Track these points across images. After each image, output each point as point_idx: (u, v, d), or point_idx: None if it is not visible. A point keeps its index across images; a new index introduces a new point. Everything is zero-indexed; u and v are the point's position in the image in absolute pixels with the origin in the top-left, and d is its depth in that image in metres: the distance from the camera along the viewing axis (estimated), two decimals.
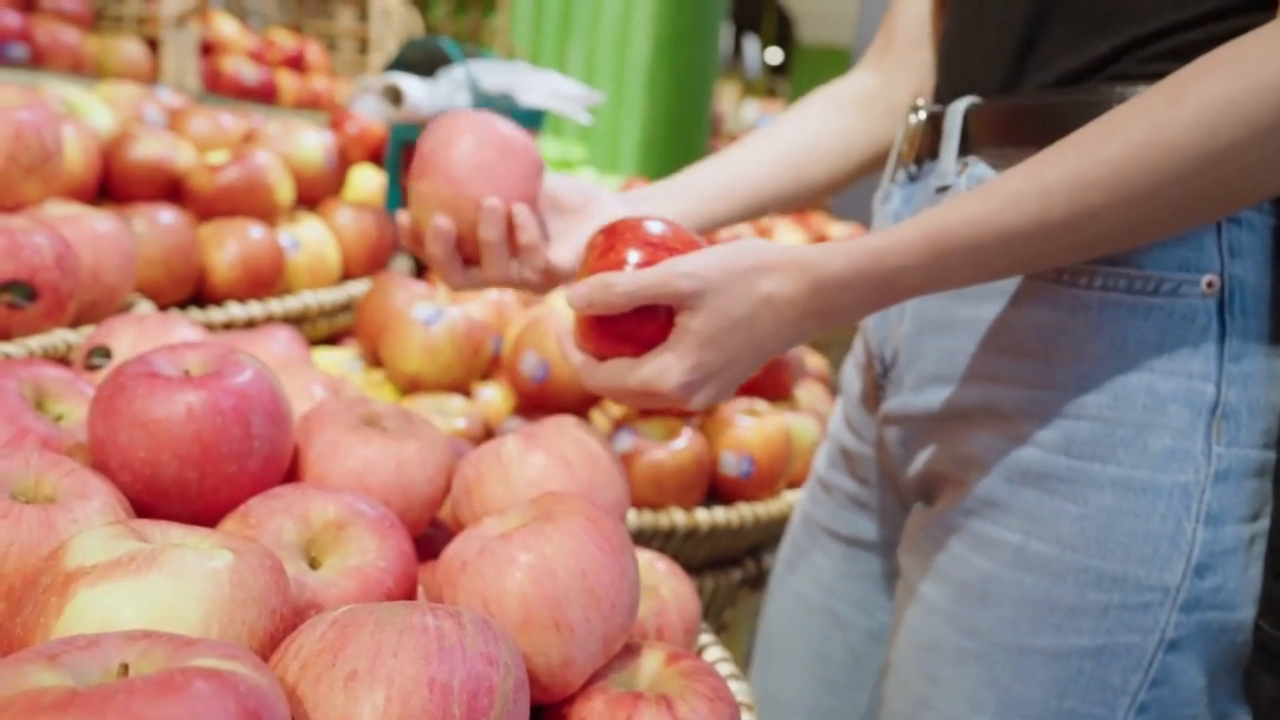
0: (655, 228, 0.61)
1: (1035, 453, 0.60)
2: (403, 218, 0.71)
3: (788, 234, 1.87)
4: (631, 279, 0.57)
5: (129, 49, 1.63)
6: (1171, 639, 0.58)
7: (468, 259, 0.70)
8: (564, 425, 0.63)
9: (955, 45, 0.70)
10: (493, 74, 1.38)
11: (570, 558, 0.49)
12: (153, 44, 1.70)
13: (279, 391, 0.56)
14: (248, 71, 1.89)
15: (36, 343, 0.67)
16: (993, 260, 0.55)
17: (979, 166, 0.64)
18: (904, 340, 0.69)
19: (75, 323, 0.77)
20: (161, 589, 0.38)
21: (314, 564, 0.51)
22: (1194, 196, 0.51)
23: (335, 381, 0.74)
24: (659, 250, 0.60)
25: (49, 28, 1.48)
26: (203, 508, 0.53)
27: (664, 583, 0.62)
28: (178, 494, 0.52)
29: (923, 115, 0.70)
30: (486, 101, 1.37)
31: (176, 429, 0.51)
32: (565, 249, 0.71)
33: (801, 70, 9.78)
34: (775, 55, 9.60)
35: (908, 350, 0.69)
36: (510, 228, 0.68)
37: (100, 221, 0.81)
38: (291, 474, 0.60)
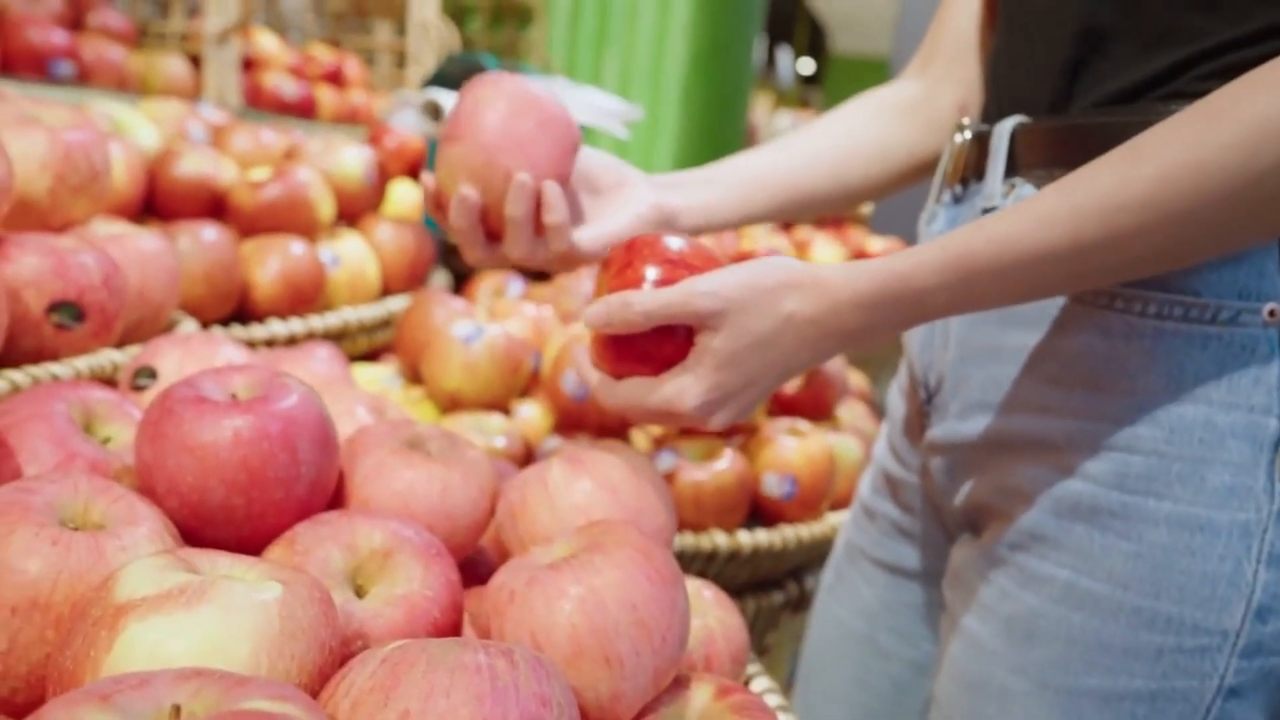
0: (675, 244, 0.60)
1: (1085, 486, 0.58)
2: (428, 180, 0.69)
3: (825, 248, 1.85)
4: (650, 298, 0.56)
5: (172, 66, 1.65)
6: (1231, 685, 0.56)
7: (490, 233, 0.69)
8: (609, 449, 0.62)
9: (1003, 63, 0.68)
10: None
11: (620, 590, 0.48)
12: (195, 60, 1.72)
13: (325, 415, 0.56)
14: (287, 87, 1.91)
15: (84, 363, 0.67)
16: (1021, 282, 0.53)
17: (1026, 188, 0.62)
18: (949, 367, 0.67)
19: (121, 342, 0.77)
20: (211, 622, 0.38)
21: (360, 592, 0.51)
22: (1233, 219, 0.49)
23: (378, 402, 0.74)
24: (678, 268, 0.59)
25: (95, 45, 1.50)
26: (249, 533, 0.52)
27: (711, 611, 0.60)
28: (224, 520, 0.51)
29: (968, 135, 0.68)
30: None
31: (224, 454, 0.50)
32: (591, 230, 0.69)
33: (834, 81, 9.74)
34: (808, 66, 9.57)
35: (953, 377, 0.67)
36: (538, 205, 0.66)
37: (146, 240, 0.81)
38: (336, 498, 0.59)
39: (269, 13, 2.38)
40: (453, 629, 0.51)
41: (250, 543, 0.53)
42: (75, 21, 1.56)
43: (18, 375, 0.62)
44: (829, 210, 0.79)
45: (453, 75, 1.42)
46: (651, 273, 0.58)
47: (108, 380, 0.71)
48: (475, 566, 0.67)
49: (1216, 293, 0.55)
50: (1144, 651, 0.56)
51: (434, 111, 1.29)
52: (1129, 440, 0.57)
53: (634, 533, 0.51)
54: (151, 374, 0.66)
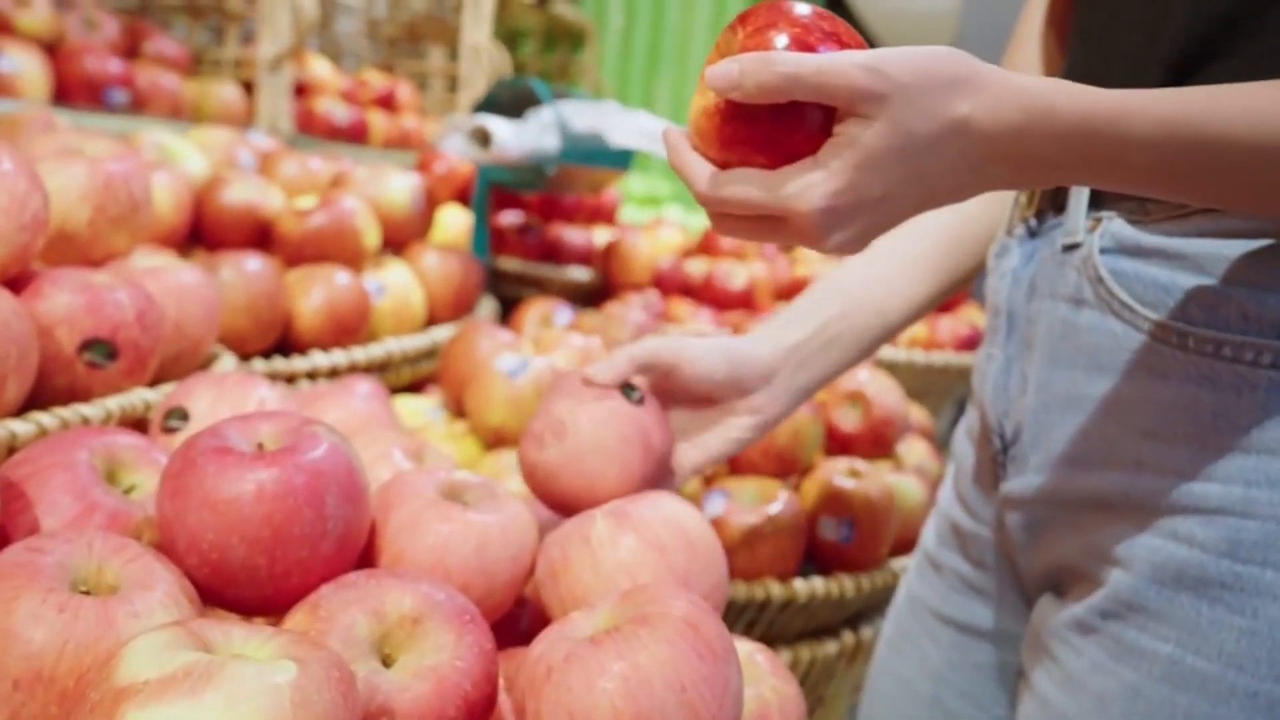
0: (822, 13, 0.48)
1: (1191, 553, 0.53)
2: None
3: None
4: (799, 59, 0.44)
5: (226, 92, 1.66)
6: None
7: None
8: (657, 502, 0.58)
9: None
10: (582, 114, 1.36)
11: (668, 668, 0.43)
12: (249, 87, 1.72)
13: (356, 466, 0.53)
14: (339, 112, 1.91)
15: (115, 403, 0.65)
16: (1250, 177, 0.45)
17: (1115, 222, 0.57)
18: (1028, 415, 0.62)
19: (158, 377, 0.75)
20: (216, 711, 0.34)
21: (388, 661, 0.47)
22: None
23: (417, 445, 0.71)
24: (828, 40, 0.47)
25: (150, 73, 1.51)
26: (273, 593, 0.49)
27: (765, 680, 0.56)
28: (246, 579, 0.48)
29: None
30: (575, 141, 1.34)
31: (246, 511, 0.47)
32: (692, 452, 0.66)
33: None
34: None
35: (1033, 427, 0.62)
36: None
37: (185, 274, 0.79)
38: (368, 551, 0.56)
39: (323, 39, 2.40)
40: (485, 702, 0.47)
41: (274, 602, 0.50)
42: (131, 49, 1.57)
43: (45, 418, 0.60)
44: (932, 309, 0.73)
45: (504, 101, 1.40)
46: (798, 34, 0.47)
47: (140, 420, 0.68)
48: (515, 623, 0.63)
49: None
50: None
51: (482, 138, 1.27)
52: (1243, 504, 0.51)
53: (682, 601, 0.47)
54: (183, 415, 0.64)
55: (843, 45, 0.47)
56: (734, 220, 0.49)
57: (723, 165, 0.49)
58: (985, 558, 0.71)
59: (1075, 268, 0.59)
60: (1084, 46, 0.62)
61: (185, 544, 0.48)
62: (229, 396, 0.65)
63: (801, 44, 0.46)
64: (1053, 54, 0.69)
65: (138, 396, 0.68)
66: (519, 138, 1.27)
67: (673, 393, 0.65)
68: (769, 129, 0.47)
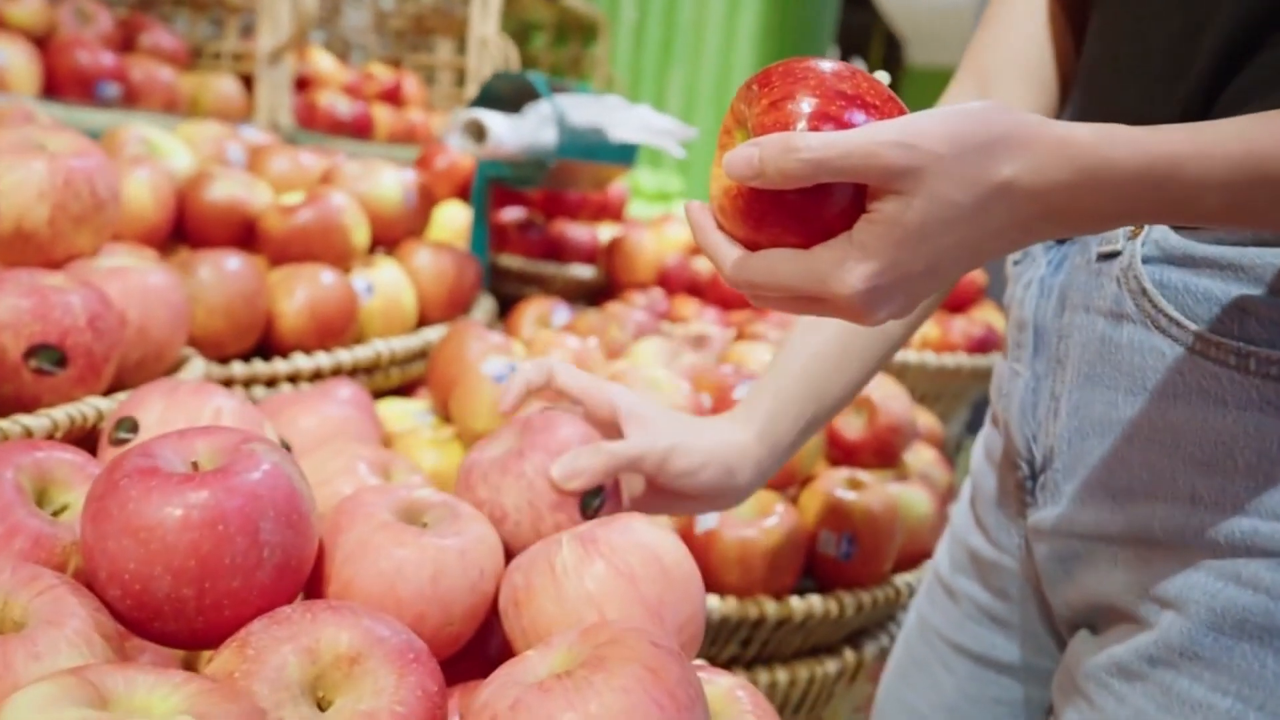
0: (845, 71, 0.45)
1: (1255, 599, 0.48)
2: None
3: None
4: (824, 142, 0.40)
5: (224, 86, 1.62)
6: None
7: None
8: (629, 526, 0.53)
9: (1103, 74, 0.58)
10: (581, 108, 1.31)
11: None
12: (249, 81, 1.69)
13: (298, 487, 0.49)
14: (342, 106, 1.87)
15: (62, 413, 0.61)
16: None
17: (1160, 229, 0.52)
18: (1062, 440, 0.57)
19: (119, 383, 0.72)
20: None
21: (323, 704, 0.43)
22: None
23: (385, 459, 0.67)
24: (854, 106, 0.43)
25: (144, 67, 1.48)
26: (203, 626, 0.45)
27: None
28: (173, 612, 0.45)
29: None
30: (575, 136, 1.30)
31: (170, 538, 0.44)
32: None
33: (911, 93, 9.51)
34: (884, 79, 9.37)
35: (1068, 454, 0.56)
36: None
37: (152, 275, 0.76)
38: (315, 580, 0.52)
39: (330, 33, 2.37)
40: None
41: (205, 636, 0.46)
42: (126, 43, 1.54)
43: None
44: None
45: (501, 93, 1.36)
46: (818, 106, 0.43)
47: (94, 431, 0.65)
48: (483, 649, 0.59)
49: None
50: None
51: (477, 131, 1.23)
52: None
53: (645, 643, 0.43)
54: (133, 427, 0.60)
55: (868, 108, 0.43)
56: (772, 298, 0.46)
57: (751, 245, 0.46)
58: (1008, 588, 0.65)
59: (1114, 278, 0.54)
60: (1111, 35, 0.57)
61: (107, 574, 0.45)
62: (183, 406, 0.61)
63: (824, 117, 0.43)
64: (1063, 38, 0.64)
65: (90, 406, 0.64)
66: (515, 132, 1.22)
67: (647, 482, 0.64)
68: (798, 206, 0.43)
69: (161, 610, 0.45)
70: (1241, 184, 0.41)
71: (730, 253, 0.46)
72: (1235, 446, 0.49)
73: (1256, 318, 0.48)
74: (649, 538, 0.53)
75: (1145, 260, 0.52)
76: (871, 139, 0.41)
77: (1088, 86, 0.60)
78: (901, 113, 0.44)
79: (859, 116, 0.43)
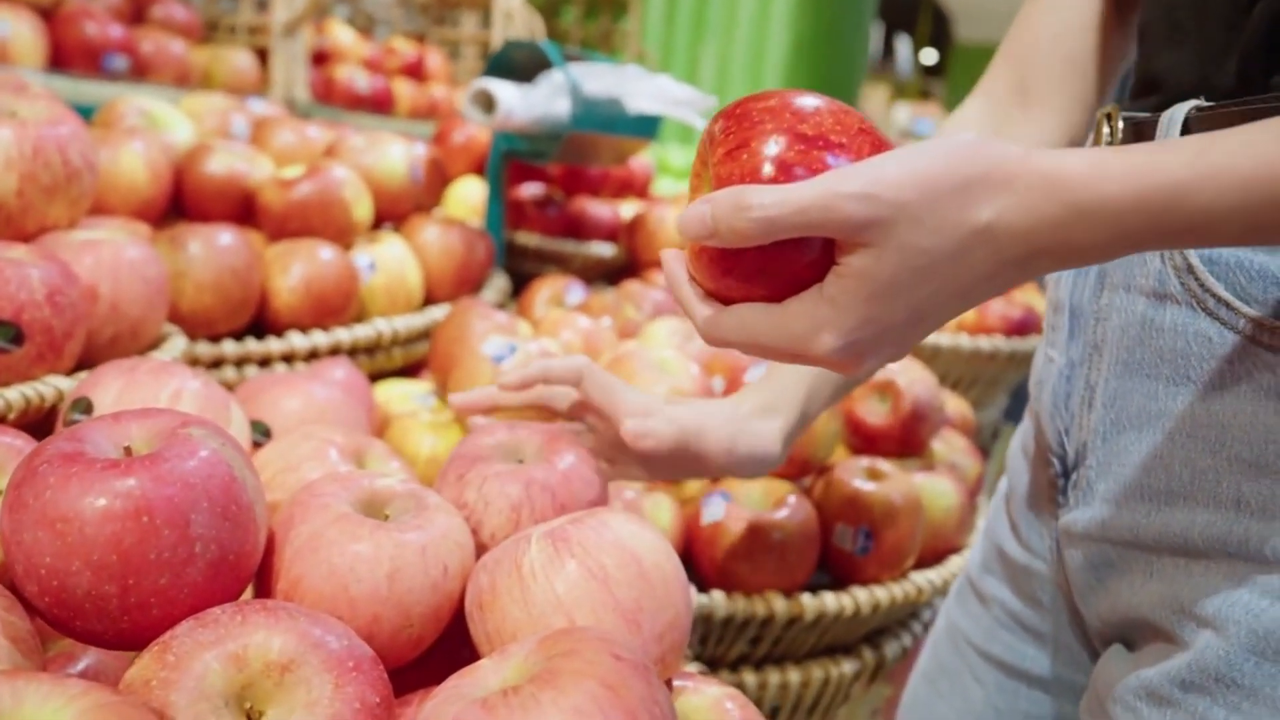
0: (810, 106, 0.41)
1: None
2: None
3: None
4: (777, 199, 0.38)
5: (237, 59, 1.59)
6: None
7: None
8: (606, 522, 0.49)
9: (1158, 35, 0.52)
10: (597, 78, 1.26)
11: None
12: (264, 55, 1.66)
13: (238, 476, 0.45)
14: (361, 80, 1.84)
15: (15, 393, 0.58)
16: None
17: None
18: (1096, 434, 0.51)
19: (89, 361, 0.68)
20: None
21: (253, 715, 0.39)
22: None
23: (360, 444, 0.63)
24: (815, 148, 0.40)
25: (155, 39, 1.45)
26: (129, 626, 0.42)
27: None
28: (94, 610, 0.41)
29: (1120, 124, 0.52)
30: (590, 107, 1.25)
31: (89, 531, 0.40)
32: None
33: (958, 70, 9.30)
34: (931, 56, 9.17)
35: (1102, 449, 0.51)
36: None
37: (127, 248, 0.72)
38: (264, 577, 0.48)
39: (354, 8, 2.33)
40: None
41: (132, 636, 0.42)
42: (137, 15, 1.52)
43: None
44: None
45: (514, 62, 1.31)
46: (776, 153, 0.40)
47: (53, 412, 0.61)
48: (458, 651, 0.55)
49: None
50: None
51: (486, 102, 1.18)
52: None
53: (605, 655, 0.38)
54: (87, 408, 0.57)
55: (833, 148, 0.40)
56: (752, 354, 0.44)
57: (723, 297, 0.43)
58: (1040, 595, 0.60)
59: (1158, 253, 0.48)
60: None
61: (24, 568, 0.41)
62: (140, 385, 0.58)
63: (783, 165, 0.40)
64: (1105, 23, 0.58)
65: (49, 385, 0.61)
66: (526, 102, 1.17)
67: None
68: (764, 260, 0.40)
69: (82, 608, 0.41)
70: (1256, 206, 0.36)
71: (701, 310, 0.44)
72: None
73: None
74: (626, 535, 0.48)
75: None
76: (830, 191, 0.38)
77: (1144, 44, 0.54)
78: (876, 147, 0.41)
79: (826, 158, 0.40)
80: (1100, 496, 0.51)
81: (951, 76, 9.45)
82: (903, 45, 7.35)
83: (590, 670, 0.37)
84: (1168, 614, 0.48)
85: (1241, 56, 0.45)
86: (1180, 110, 0.47)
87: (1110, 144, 0.52)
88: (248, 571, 0.45)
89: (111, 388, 0.57)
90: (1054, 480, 0.56)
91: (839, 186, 0.37)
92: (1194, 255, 0.46)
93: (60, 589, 0.40)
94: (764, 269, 0.41)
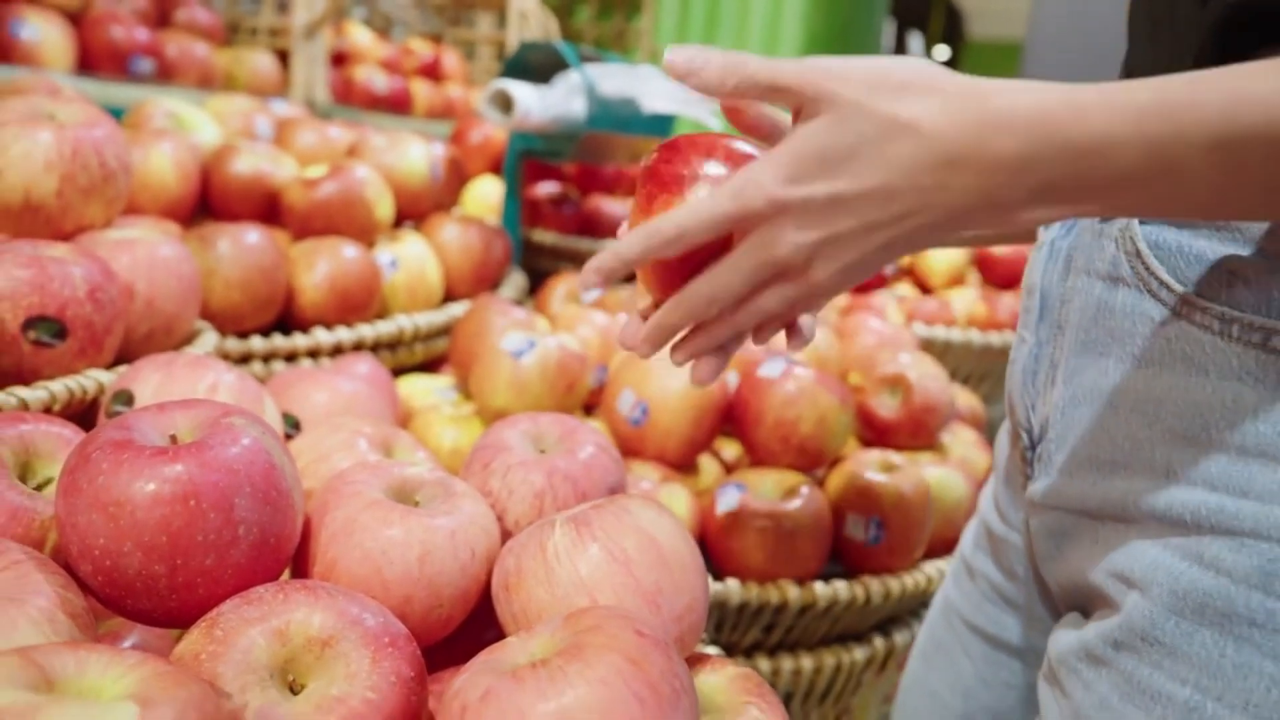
0: (738, 144, 0.47)
1: (1218, 582, 0.44)
2: None
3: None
4: (753, 64, 0.44)
5: (259, 61, 1.62)
6: None
7: None
8: (627, 508, 0.51)
9: (1141, 35, 0.54)
10: (613, 78, 1.28)
11: (597, 715, 0.37)
12: (284, 56, 1.69)
13: (278, 463, 0.47)
14: (379, 81, 1.86)
15: (59, 386, 0.61)
16: (1249, 168, 0.38)
17: None
18: (1056, 409, 0.54)
19: (126, 356, 0.71)
20: None
21: (295, 687, 0.42)
22: None
23: (388, 435, 0.65)
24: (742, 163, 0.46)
25: (179, 42, 1.48)
26: (177, 605, 0.44)
27: (746, 713, 0.49)
28: (144, 589, 0.43)
29: None
30: (606, 107, 1.27)
31: (140, 514, 0.42)
32: None
33: (970, 67, 9.28)
34: (942, 52, 9.15)
35: (1060, 423, 0.54)
36: None
37: (161, 246, 0.75)
38: (301, 560, 0.50)
39: (371, 9, 2.36)
40: None
41: (180, 614, 0.45)
42: (161, 19, 1.55)
43: None
44: None
45: (531, 63, 1.33)
46: (712, 171, 0.46)
47: (93, 404, 0.64)
48: (482, 631, 0.57)
49: None
50: None
51: (503, 102, 1.20)
52: None
53: (628, 631, 0.40)
54: (128, 400, 0.59)
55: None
56: (698, 228, 0.45)
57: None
58: (1016, 567, 0.63)
59: (1113, 239, 0.51)
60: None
61: (78, 549, 0.43)
62: (178, 379, 0.60)
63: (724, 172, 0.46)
64: None
65: (90, 379, 0.63)
66: (543, 102, 1.19)
67: None
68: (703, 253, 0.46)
69: (133, 587, 0.43)
70: (1158, 136, 0.38)
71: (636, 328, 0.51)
72: (1211, 418, 0.45)
73: (1245, 281, 0.44)
74: (646, 521, 0.50)
75: (1143, 220, 0.49)
76: (807, 66, 0.43)
77: (1130, 42, 0.56)
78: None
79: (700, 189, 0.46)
80: (1057, 467, 0.54)
81: (964, 73, 9.41)
82: (915, 42, 7.34)
83: (614, 645, 0.39)
84: (1106, 578, 0.50)
85: (1196, 56, 0.47)
86: None
87: None
88: (286, 553, 0.48)
89: (151, 380, 0.60)
90: (1024, 454, 0.58)
91: (815, 64, 0.43)
92: (1142, 240, 0.49)
93: (113, 569, 0.43)
94: (691, 260, 0.47)
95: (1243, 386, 0.44)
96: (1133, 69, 0.54)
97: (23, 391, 0.59)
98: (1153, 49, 0.52)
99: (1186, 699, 0.45)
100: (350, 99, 1.81)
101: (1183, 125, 0.38)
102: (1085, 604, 0.53)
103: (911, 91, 0.42)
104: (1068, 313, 0.54)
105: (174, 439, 0.47)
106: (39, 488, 0.50)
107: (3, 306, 0.61)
